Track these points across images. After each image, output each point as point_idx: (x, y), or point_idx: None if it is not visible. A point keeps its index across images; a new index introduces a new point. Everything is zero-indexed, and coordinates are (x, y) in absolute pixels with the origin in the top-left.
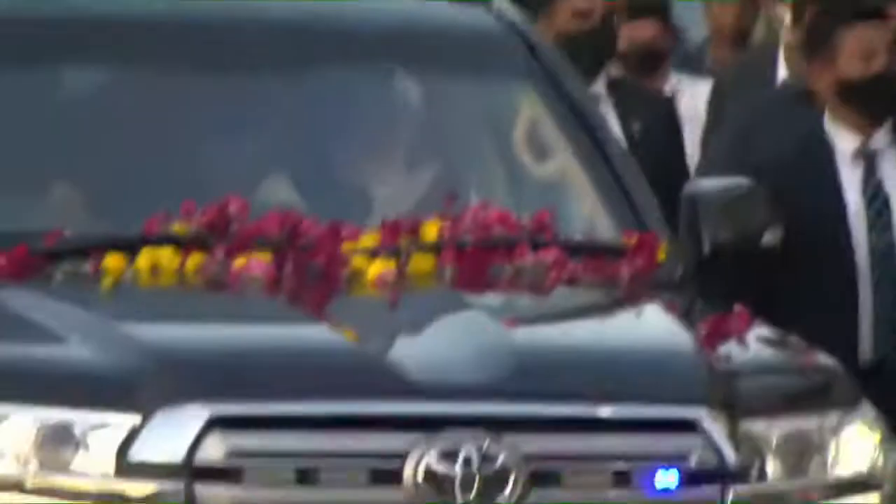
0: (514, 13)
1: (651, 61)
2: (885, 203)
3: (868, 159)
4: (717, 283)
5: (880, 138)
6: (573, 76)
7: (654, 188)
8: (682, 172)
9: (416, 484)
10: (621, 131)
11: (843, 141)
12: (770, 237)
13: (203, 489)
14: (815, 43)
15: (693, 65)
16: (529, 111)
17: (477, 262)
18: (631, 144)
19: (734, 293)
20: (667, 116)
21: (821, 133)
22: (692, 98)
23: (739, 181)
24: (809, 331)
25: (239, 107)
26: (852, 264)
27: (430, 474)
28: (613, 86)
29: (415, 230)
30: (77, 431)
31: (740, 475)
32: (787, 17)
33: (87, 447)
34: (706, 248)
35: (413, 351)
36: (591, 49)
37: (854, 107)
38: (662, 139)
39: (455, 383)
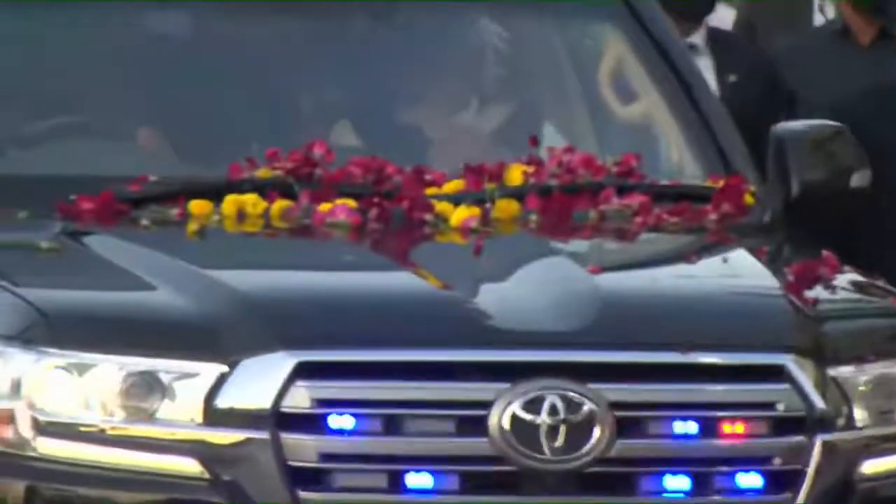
0: None
1: None
2: None
3: None
4: (806, 226)
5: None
6: (662, 17)
7: (744, 139)
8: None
9: (501, 432)
10: (716, 82)
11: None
12: (858, 178)
13: (289, 437)
14: None
15: None
16: (615, 51)
17: (561, 207)
18: (724, 96)
19: (823, 236)
20: (763, 71)
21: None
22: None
23: (827, 123)
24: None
25: (324, 50)
26: None
27: (515, 422)
28: (712, 37)
29: (499, 175)
30: (164, 380)
31: (828, 422)
32: None
33: (173, 396)
34: (795, 190)
35: (498, 298)
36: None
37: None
38: (756, 92)
39: (540, 331)
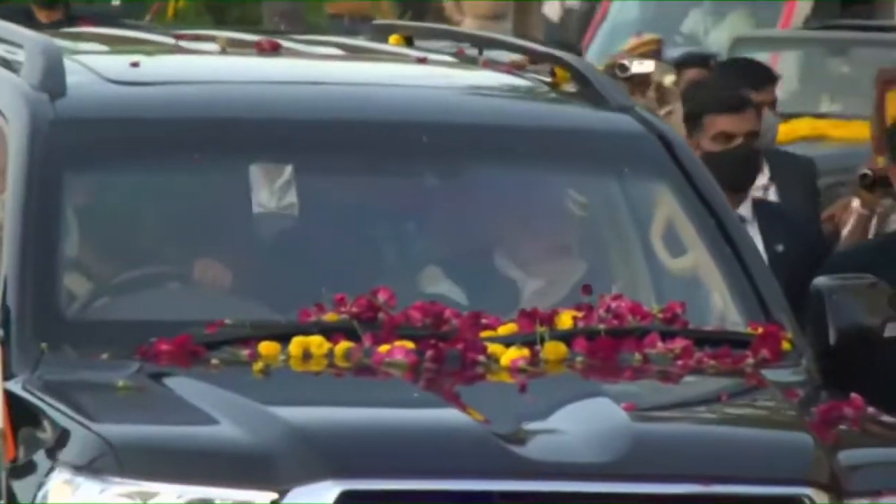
0: (655, 119)
1: None
2: None
3: None
4: (841, 373)
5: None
6: (709, 176)
7: (793, 305)
8: None
9: None
10: (765, 252)
11: None
12: (893, 328)
13: None
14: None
15: None
16: (667, 208)
17: (607, 350)
18: (772, 264)
19: (858, 382)
20: (810, 240)
21: None
22: None
23: (863, 276)
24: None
25: (395, 202)
26: None
27: None
28: (759, 208)
29: (550, 319)
30: None
31: None
32: None
33: None
34: (832, 338)
35: (535, 433)
36: (734, 170)
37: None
38: (804, 262)
39: (573, 463)
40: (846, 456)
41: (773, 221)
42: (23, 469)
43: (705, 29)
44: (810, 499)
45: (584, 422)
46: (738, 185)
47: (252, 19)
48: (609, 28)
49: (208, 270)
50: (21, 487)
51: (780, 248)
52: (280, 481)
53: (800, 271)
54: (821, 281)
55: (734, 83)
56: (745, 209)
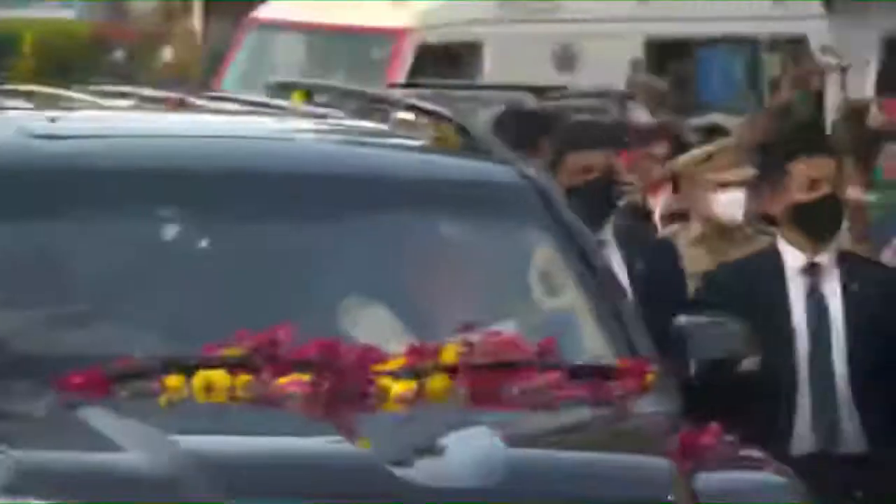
0: (533, 170)
1: None
2: (825, 315)
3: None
4: (700, 403)
5: (825, 257)
6: (581, 224)
7: (653, 318)
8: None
9: None
10: (626, 271)
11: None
12: (749, 363)
13: None
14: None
15: None
16: (544, 252)
17: (488, 383)
18: (633, 282)
19: (716, 412)
20: (668, 257)
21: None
22: None
23: (723, 317)
24: (758, 426)
25: (290, 246)
26: (794, 369)
27: None
28: (619, 232)
29: (436, 354)
30: None
31: None
32: None
33: None
34: (692, 371)
35: (420, 459)
36: (596, 199)
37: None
38: (662, 278)
39: (454, 488)
40: (703, 480)
41: (633, 242)
42: None
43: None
44: None
45: (465, 449)
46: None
47: (89, 78)
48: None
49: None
50: None
51: (639, 265)
52: (180, 502)
53: (656, 289)
54: (682, 319)
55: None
56: (606, 233)
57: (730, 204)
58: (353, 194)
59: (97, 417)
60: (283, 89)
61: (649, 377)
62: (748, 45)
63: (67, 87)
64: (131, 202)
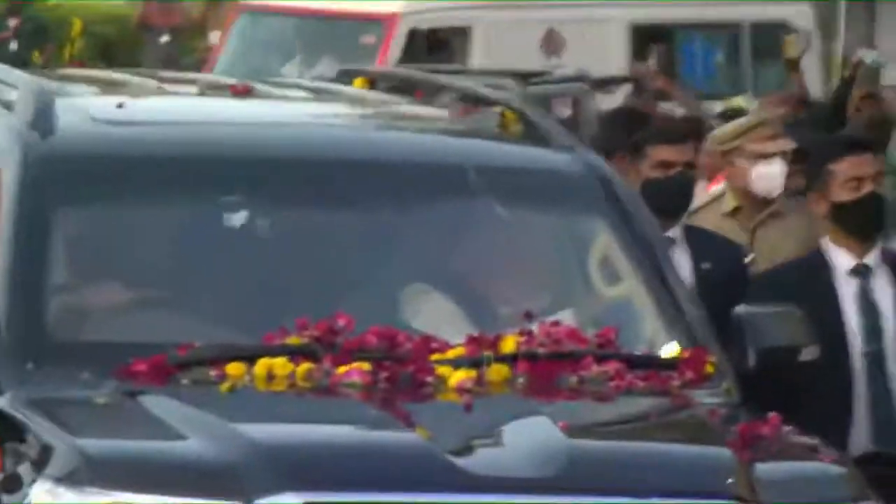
0: (595, 158)
1: None
2: (877, 315)
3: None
4: (761, 393)
5: (872, 257)
6: (644, 212)
7: (716, 317)
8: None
9: None
10: (692, 270)
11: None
12: (808, 353)
13: None
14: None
15: None
16: (604, 241)
17: (546, 372)
18: (699, 281)
19: (775, 403)
20: (734, 259)
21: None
22: None
23: (783, 306)
24: (814, 426)
25: (354, 234)
26: (849, 370)
27: None
28: (688, 231)
29: (495, 344)
30: None
31: None
32: None
33: None
34: (752, 361)
35: (479, 449)
36: (670, 196)
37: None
38: (727, 280)
39: (514, 478)
40: (763, 471)
41: (701, 242)
42: (8, 480)
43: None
44: None
45: (524, 439)
46: (669, 211)
47: (136, 62)
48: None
49: (100, 296)
50: (6, 498)
51: (705, 265)
52: (245, 493)
53: (720, 286)
54: (741, 308)
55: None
56: (674, 232)
57: (768, 176)
58: (416, 183)
59: (159, 405)
60: (346, 76)
61: (709, 367)
62: (730, 30)
63: (130, 73)
64: (196, 190)
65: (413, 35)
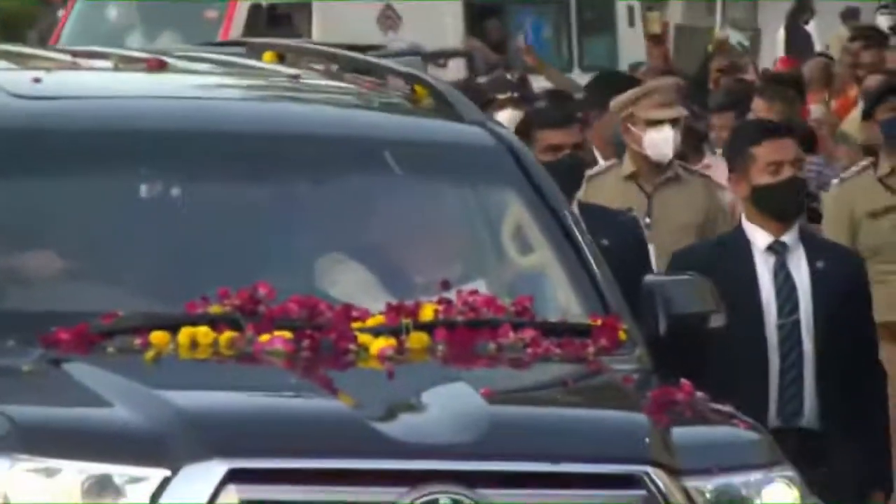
0: (505, 132)
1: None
2: (793, 290)
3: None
4: (670, 359)
5: (790, 235)
6: (552, 183)
7: (624, 288)
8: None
9: None
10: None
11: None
12: (716, 320)
13: None
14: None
15: None
16: (516, 212)
17: (465, 340)
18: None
19: (684, 368)
20: (631, 232)
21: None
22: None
23: (690, 275)
24: (730, 395)
25: (271, 205)
26: (764, 342)
27: None
28: (582, 208)
29: (414, 312)
30: (117, 482)
31: None
32: None
33: (125, 496)
34: (662, 329)
35: (402, 416)
36: (563, 177)
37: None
38: (627, 252)
39: (435, 444)
40: (679, 436)
41: (597, 219)
42: None
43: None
44: (649, 476)
45: (446, 405)
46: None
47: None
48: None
49: (20, 266)
50: None
51: (604, 241)
52: (172, 459)
53: (622, 261)
54: (650, 277)
55: None
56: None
57: (658, 143)
58: (329, 155)
59: (85, 374)
60: (254, 50)
61: (622, 334)
62: (558, 6)
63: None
64: (115, 162)
65: (255, 10)
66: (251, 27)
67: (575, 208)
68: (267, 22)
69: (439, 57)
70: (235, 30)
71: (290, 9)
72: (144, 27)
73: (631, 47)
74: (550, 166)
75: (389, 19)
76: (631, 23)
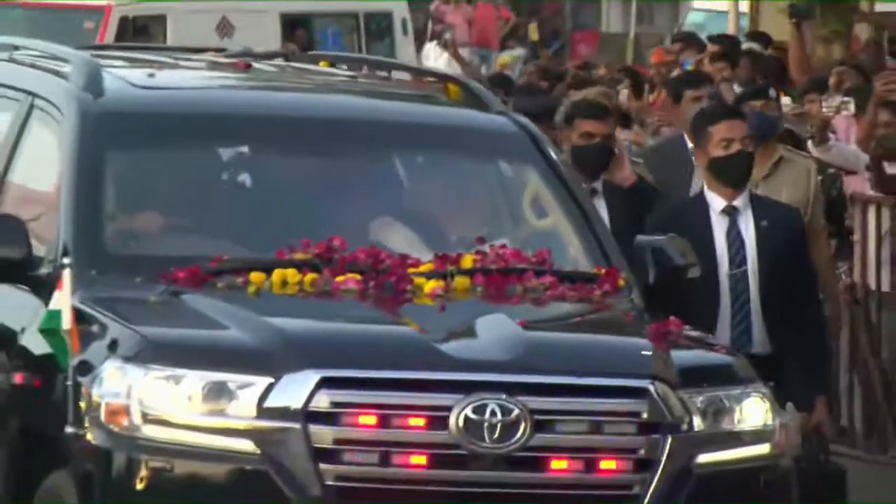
0: (525, 121)
1: None
2: (741, 245)
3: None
4: (658, 302)
5: (740, 200)
6: (564, 162)
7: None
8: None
9: (457, 428)
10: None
11: (715, 201)
12: (693, 272)
13: (314, 427)
14: (696, 134)
15: None
16: (534, 185)
17: (498, 283)
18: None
19: (669, 309)
20: (630, 202)
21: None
22: None
23: (672, 236)
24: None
25: (334, 177)
26: (717, 286)
27: (467, 421)
28: (605, 186)
29: (457, 261)
30: (231, 387)
31: (675, 427)
32: None
33: (237, 398)
34: (651, 279)
35: (457, 338)
36: (593, 158)
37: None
38: (628, 219)
39: (485, 360)
40: (675, 358)
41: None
42: (82, 366)
43: None
44: (654, 388)
45: (490, 331)
46: (590, 169)
47: None
48: None
49: (145, 220)
50: (80, 379)
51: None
52: (275, 369)
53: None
54: (643, 237)
55: None
56: (598, 184)
57: None
58: (382, 137)
59: (200, 303)
60: (312, 59)
61: (621, 281)
62: (351, 18)
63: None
64: (217, 139)
65: (123, 21)
66: (120, 35)
67: (599, 185)
68: (132, 31)
69: (265, 58)
70: (109, 38)
71: (149, 21)
72: (29, 35)
73: (404, 51)
74: (584, 149)
75: (226, 28)
76: (405, 32)
